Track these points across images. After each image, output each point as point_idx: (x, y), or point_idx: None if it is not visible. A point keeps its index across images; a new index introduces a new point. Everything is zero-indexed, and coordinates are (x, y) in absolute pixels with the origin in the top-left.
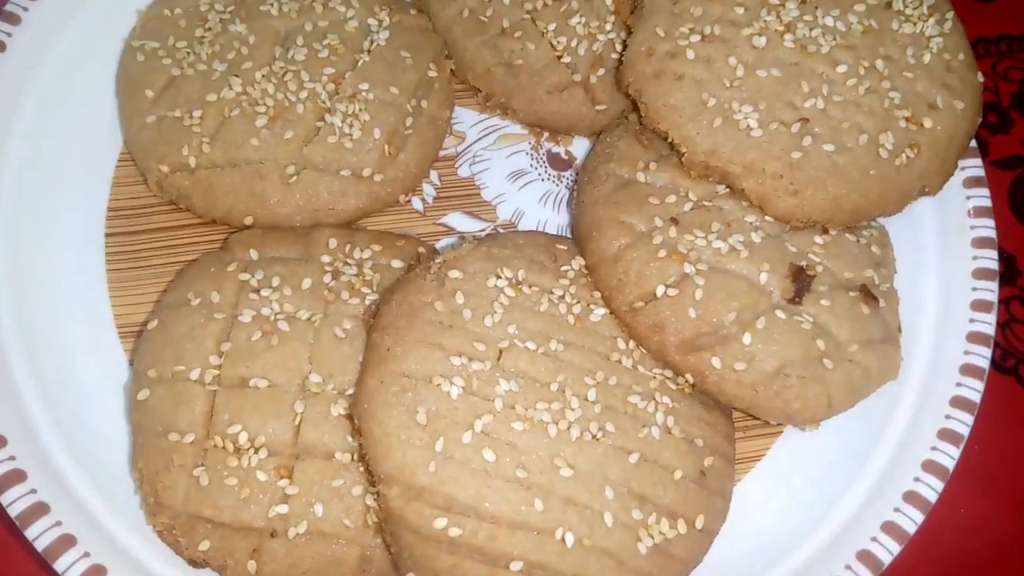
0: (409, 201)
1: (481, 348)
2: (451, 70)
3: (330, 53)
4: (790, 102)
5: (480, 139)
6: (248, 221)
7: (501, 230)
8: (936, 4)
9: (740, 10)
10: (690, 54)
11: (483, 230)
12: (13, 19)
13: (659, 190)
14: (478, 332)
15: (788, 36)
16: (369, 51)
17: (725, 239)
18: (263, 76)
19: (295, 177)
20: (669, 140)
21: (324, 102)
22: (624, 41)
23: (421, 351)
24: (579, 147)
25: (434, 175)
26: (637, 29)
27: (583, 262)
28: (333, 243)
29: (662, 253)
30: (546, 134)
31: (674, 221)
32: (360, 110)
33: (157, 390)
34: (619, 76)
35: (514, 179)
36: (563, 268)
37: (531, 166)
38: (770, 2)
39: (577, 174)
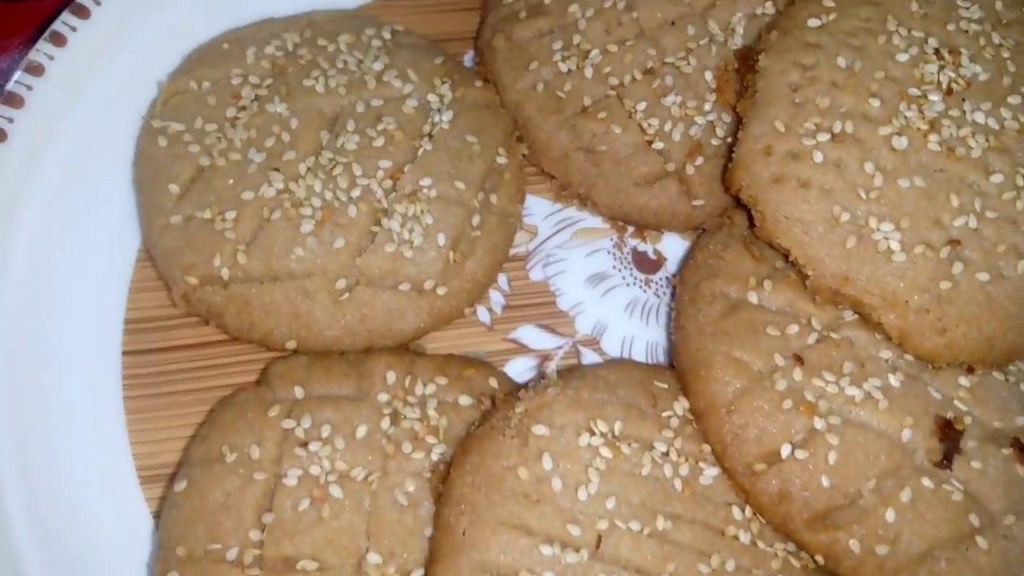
0: (474, 312)
1: (576, 532)
2: (523, 155)
3: (386, 141)
4: (937, 219)
5: (554, 234)
6: (291, 345)
7: (581, 347)
8: None
9: (875, 103)
10: (817, 156)
11: (560, 347)
12: (16, 101)
13: (776, 316)
14: (571, 509)
15: (933, 137)
16: (430, 136)
17: (859, 384)
18: (308, 169)
19: (347, 294)
20: (791, 259)
21: (380, 202)
22: (733, 131)
23: (504, 537)
24: (669, 244)
25: (502, 279)
26: (751, 120)
27: (688, 405)
28: (391, 377)
29: (787, 404)
30: (631, 229)
31: (798, 359)
32: (422, 212)
33: (188, 574)
34: (728, 176)
35: (595, 284)
36: (665, 413)
37: (614, 268)
38: (909, 93)
39: (671, 283)
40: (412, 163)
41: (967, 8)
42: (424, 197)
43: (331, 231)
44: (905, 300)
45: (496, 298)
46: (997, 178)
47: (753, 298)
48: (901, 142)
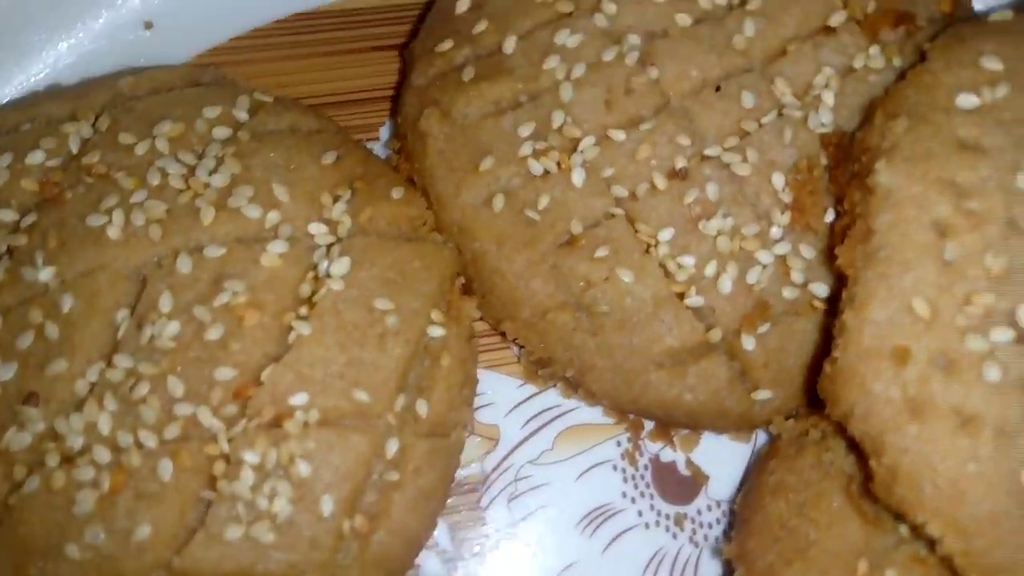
0: None
1: None
2: (472, 319)
3: (229, 328)
4: None
5: (527, 439)
6: None
7: None
8: None
9: None
10: (991, 372)
11: None
12: None
13: None
14: None
15: None
16: (311, 304)
17: None
18: (90, 392)
19: None
20: (940, 550)
21: (217, 444)
22: (829, 283)
23: None
24: (712, 450)
25: (441, 530)
26: (868, 292)
27: None
28: None
29: None
30: (649, 425)
31: None
32: (291, 457)
33: None
34: (825, 387)
35: (593, 527)
36: None
37: (624, 495)
38: None
39: (723, 549)
40: (276, 364)
41: None
42: (296, 427)
43: (129, 508)
44: None
45: (431, 567)
46: None
47: None
48: None
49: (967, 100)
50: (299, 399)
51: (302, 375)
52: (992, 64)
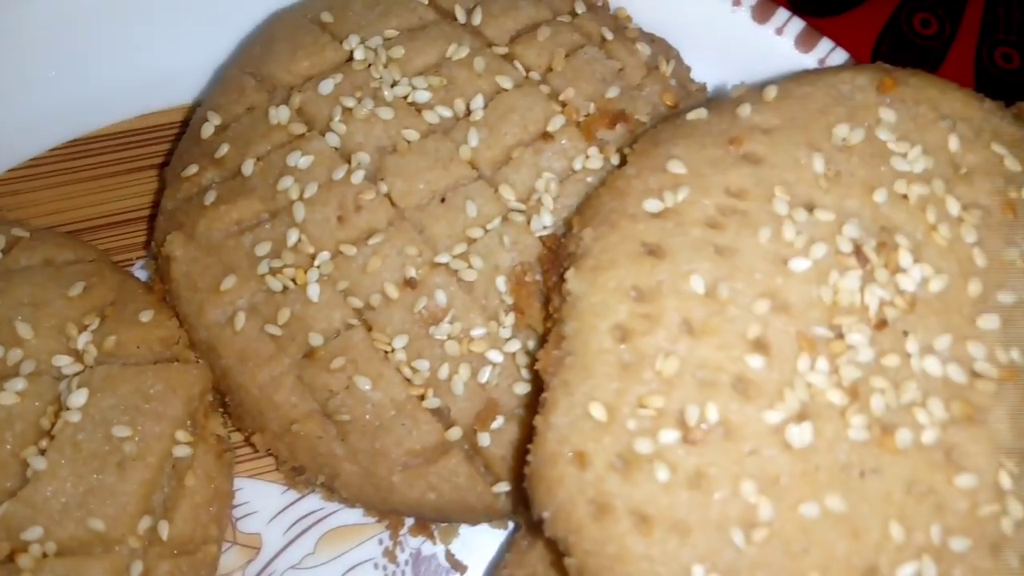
0: None
1: None
2: (217, 435)
3: None
4: (871, 569)
5: (289, 545)
6: None
7: None
8: None
9: (756, 361)
10: (661, 472)
11: None
12: None
13: None
14: None
15: (856, 417)
16: (51, 436)
17: None
18: None
19: None
20: None
21: None
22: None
23: None
24: (471, 541)
25: None
26: (554, 399)
27: None
28: None
29: None
30: (408, 521)
31: None
32: None
33: None
34: (529, 487)
35: None
36: None
37: None
38: (813, 335)
39: None
40: (11, 500)
41: (904, 155)
42: (31, 561)
43: None
44: None
45: None
46: (966, 479)
47: None
48: (802, 433)
49: (652, 205)
50: (34, 532)
51: (38, 508)
52: (676, 168)
